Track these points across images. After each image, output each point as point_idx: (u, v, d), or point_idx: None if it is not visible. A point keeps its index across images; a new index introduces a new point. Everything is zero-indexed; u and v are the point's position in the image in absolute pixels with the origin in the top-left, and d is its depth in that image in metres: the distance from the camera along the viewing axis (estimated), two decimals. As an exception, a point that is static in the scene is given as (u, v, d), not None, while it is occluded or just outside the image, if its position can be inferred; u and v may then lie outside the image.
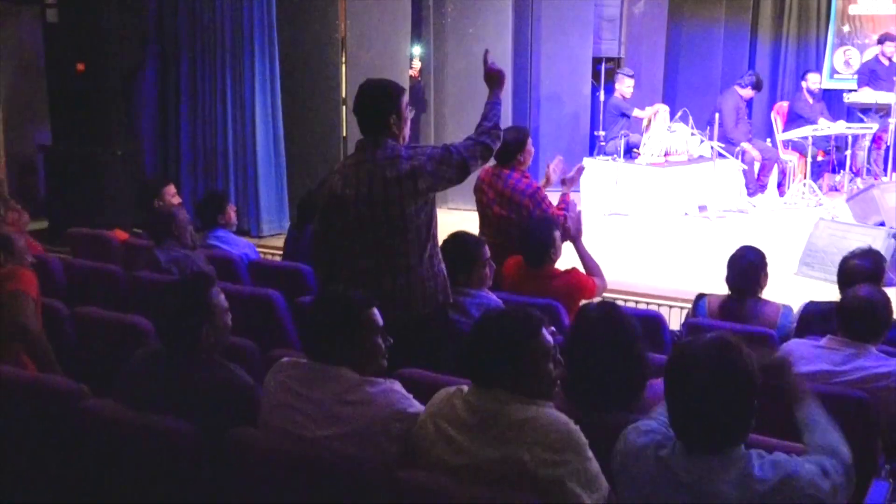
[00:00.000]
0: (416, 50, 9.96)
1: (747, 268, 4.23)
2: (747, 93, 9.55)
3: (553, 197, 5.23)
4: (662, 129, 8.67)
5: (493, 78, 3.77)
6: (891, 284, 4.51)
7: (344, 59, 8.82)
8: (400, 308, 3.49)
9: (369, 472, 2.52)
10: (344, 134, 8.71)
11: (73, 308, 3.91)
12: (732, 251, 4.39)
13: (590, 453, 2.42)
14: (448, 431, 2.47)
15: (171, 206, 5.55)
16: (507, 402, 2.43)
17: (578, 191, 8.62)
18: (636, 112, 9.12)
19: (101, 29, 7.63)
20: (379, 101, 3.54)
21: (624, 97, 9.35)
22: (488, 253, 4.15)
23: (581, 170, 5.58)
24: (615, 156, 8.79)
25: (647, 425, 2.40)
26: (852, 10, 10.86)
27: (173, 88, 8.55)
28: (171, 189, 5.97)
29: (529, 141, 5.24)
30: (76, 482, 2.97)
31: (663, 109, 8.91)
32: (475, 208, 5.46)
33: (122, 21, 7.84)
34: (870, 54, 10.30)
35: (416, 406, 2.65)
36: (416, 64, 10.03)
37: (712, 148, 8.69)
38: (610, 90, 9.76)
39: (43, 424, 2.99)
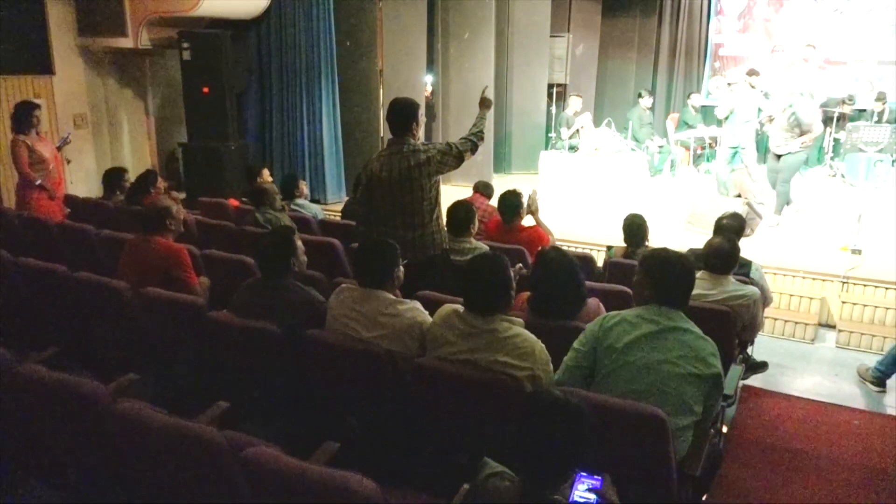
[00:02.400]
0: (429, 78, 9.82)
1: (636, 229, 4.23)
2: (646, 102, 9.47)
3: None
4: (592, 132, 8.56)
5: (485, 102, 3.78)
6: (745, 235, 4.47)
7: (381, 84, 8.72)
8: (417, 252, 3.48)
9: (399, 359, 2.53)
10: (381, 134, 8.63)
11: (202, 251, 3.89)
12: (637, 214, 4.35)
13: (550, 366, 2.36)
14: (448, 336, 2.43)
15: (265, 183, 5.47)
16: (492, 321, 2.36)
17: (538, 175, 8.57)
18: (568, 134, 8.93)
19: (219, 63, 7.54)
20: (404, 112, 3.47)
21: (575, 112, 9.16)
22: (477, 215, 4.13)
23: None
24: (563, 150, 8.71)
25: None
26: (721, 51, 10.84)
27: (267, 102, 8.46)
28: (266, 172, 5.93)
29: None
30: (203, 365, 2.99)
31: (588, 120, 8.77)
32: (468, 184, 5.67)
33: (233, 57, 7.74)
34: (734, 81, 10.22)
35: (430, 319, 2.62)
36: (429, 87, 9.92)
37: (626, 145, 8.59)
38: (560, 107, 9.61)
39: (181, 327, 3.00)
